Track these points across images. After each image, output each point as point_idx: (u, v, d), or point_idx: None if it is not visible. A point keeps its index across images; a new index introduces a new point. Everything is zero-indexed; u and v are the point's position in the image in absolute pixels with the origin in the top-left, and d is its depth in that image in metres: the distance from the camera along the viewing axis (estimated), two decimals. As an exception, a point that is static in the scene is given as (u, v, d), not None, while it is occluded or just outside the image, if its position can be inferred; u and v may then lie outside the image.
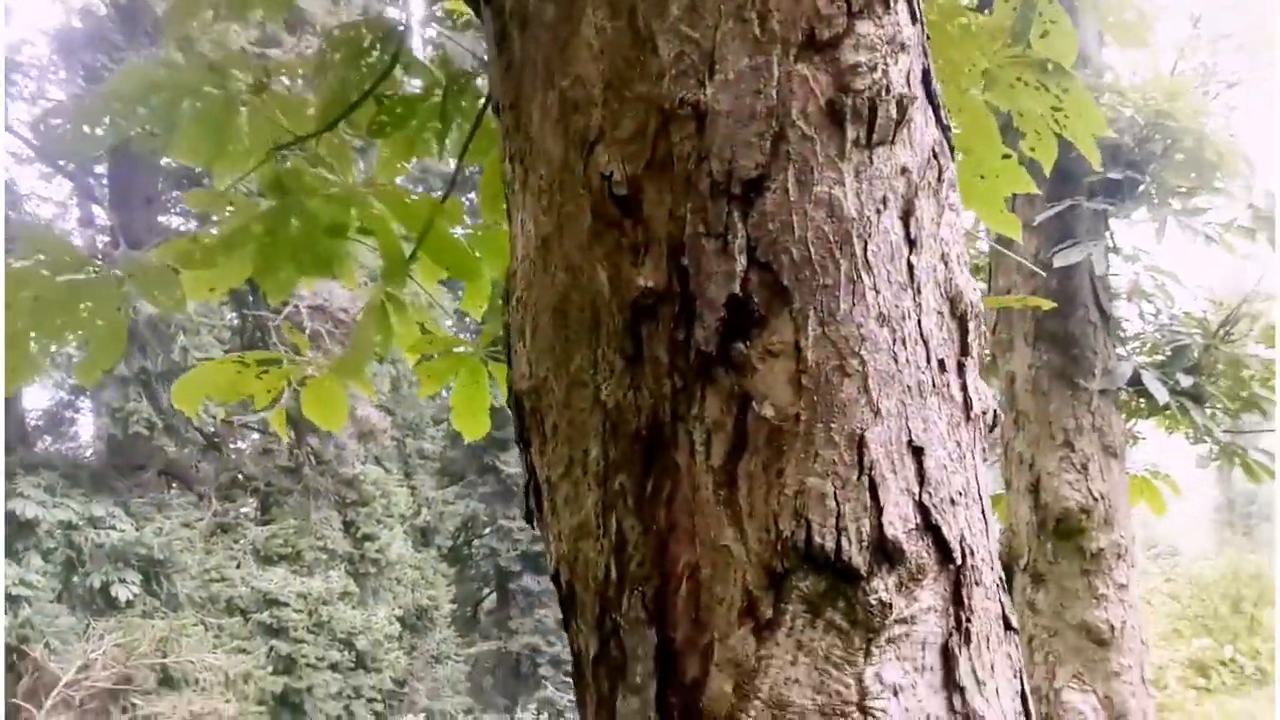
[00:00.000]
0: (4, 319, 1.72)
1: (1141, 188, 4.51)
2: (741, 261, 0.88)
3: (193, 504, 15.54)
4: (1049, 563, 4.09)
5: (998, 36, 1.50)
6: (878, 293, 0.88)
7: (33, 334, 1.75)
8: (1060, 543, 4.07)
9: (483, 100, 1.89)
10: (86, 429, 17.09)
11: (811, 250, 0.88)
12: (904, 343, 0.89)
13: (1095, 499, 4.13)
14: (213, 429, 15.58)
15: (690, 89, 0.91)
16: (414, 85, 1.91)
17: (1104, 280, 4.42)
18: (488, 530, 21.95)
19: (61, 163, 14.67)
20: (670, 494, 0.91)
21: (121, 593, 13.22)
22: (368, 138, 1.91)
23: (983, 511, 0.92)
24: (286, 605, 14.76)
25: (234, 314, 15.83)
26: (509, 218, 1.10)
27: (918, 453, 0.87)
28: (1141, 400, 4.78)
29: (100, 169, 16.02)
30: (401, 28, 1.81)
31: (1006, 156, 1.71)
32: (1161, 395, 4.36)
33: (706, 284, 0.89)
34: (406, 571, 17.54)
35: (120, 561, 13.45)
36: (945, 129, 1.01)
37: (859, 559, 0.83)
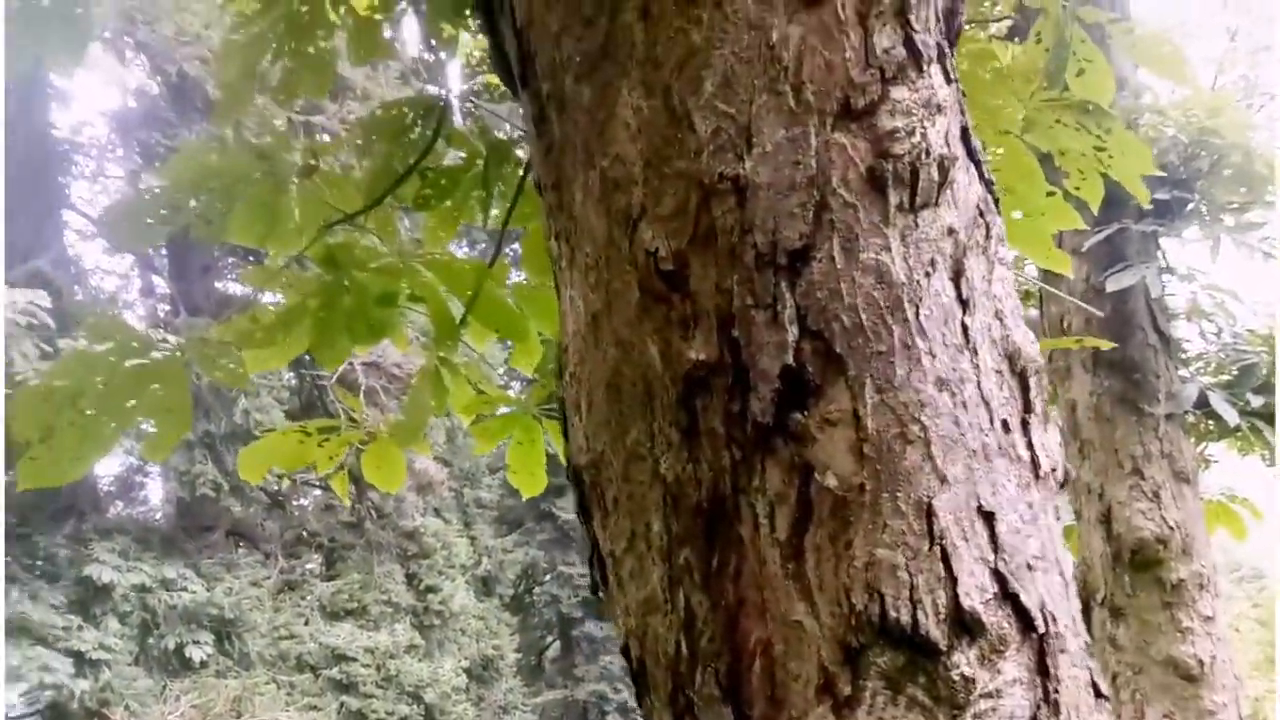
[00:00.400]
0: (74, 404, 1.78)
1: (1191, 206, 4.41)
2: (793, 331, 0.88)
3: (260, 562, 15.82)
4: (1127, 596, 3.95)
5: (1031, 78, 1.48)
6: (934, 357, 0.87)
7: (106, 418, 1.81)
8: (1137, 575, 3.93)
9: (523, 168, 1.93)
10: (156, 493, 17.56)
11: (863, 317, 0.87)
12: (965, 406, 0.87)
13: (1170, 528, 3.99)
14: (276, 487, 15.89)
15: (729, 163, 0.92)
16: (456, 156, 1.95)
17: (1160, 302, 4.31)
18: (548, 577, 21.92)
19: (124, 238, 15.24)
20: (737, 568, 0.90)
21: (195, 653, 13.45)
22: (414, 209, 1.95)
23: (1061, 574, 0.89)
24: (355, 660, 14.87)
25: (291, 374, 16.20)
26: (558, 293, 1.12)
27: (989, 518, 0.85)
28: (1211, 423, 4.62)
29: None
30: (442, 103, 1.86)
31: (1051, 193, 1.69)
32: (1231, 417, 4.22)
33: (759, 355, 0.89)
34: (470, 622, 17.57)
35: (193, 622, 13.70)
36: (989, 184, 1.00)
37: (937, 632, 0.81)
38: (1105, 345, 2.08)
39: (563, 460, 1.15)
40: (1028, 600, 0.85)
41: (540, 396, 2.64)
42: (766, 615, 0.88)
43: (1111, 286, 4.14)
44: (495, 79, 2.07)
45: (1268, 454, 4.79)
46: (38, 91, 15.02)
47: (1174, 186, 4.28)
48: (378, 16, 1.91)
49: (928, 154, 0.90)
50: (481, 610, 18.31)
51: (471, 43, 1.96)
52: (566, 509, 20.60)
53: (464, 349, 2.71)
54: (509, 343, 2.52)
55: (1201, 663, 3.77)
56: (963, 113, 0.98)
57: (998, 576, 0.85)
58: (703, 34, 0.94)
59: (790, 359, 0.87)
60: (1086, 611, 4.14)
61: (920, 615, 0.82)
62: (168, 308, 16.55)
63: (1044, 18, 1.45)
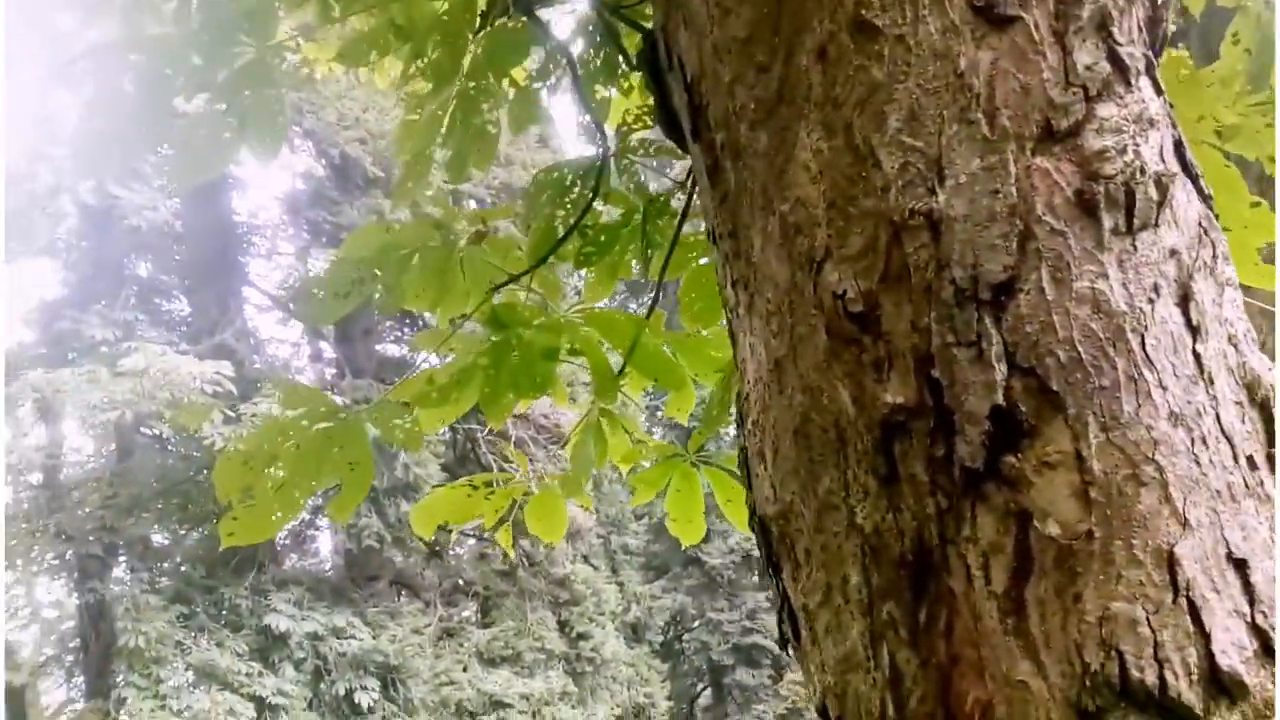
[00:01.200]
0: (271, 467, 1.90)
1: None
2: (1001, 369, 0.83)
3: (420, 610, 16.42)
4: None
5: (1231, 83, 1.37)
6: (1165, 389, 0.80)
7: (296, 479, 1.92)
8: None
9: (678, 219, 1.94)
10: (325, 545, 18.61)
11: (1080, 350, 0.81)
12: (1204, 442, 0.79)
13: None
14: (434, 538, 16.52)
15: (920, 198, 0.88)
16: (613, 213, 2.00)
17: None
18: (696, 623, 21.68)
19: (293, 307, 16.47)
20: (948, 623, 0.85)
21: (364, 699, 14.04)
22: (575, 268, 2.00)
23: (1331, 630, 0.79)
24: (511, 707, 15.11)
25: (446, 429, 16.92)
26: (733, 342, 1.10)
27: (1240, 566, 0.77)
28: None
29: (325, 309, 17.83)
30: (600, 162, 1.90)
31: (1255, 204, 1.55)
32: None
33: (964, 396, 0.84)
34: (621, 669, 17.57)
35: (360, 669, 14.32)
36: (1208, 199, 0.92)
37: (1191, 695, 0.73)
38: None
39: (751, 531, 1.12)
40: (1294, 659, 0.76)
41: (698, 443, 2.63)
42: (985, 674, 0.82)
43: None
44: (647, 134, 2.11)
45: None
46: (219, 181, 16.55)
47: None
48: (535, 85, 1.99)
49: (1142, 172, 0.84)
50: (632, 657, 18.28)
51: (622, 100, 2.01)
52: (713, 554, 20.36)
53: (622, 401, 2.74)
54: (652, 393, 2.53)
55: None
56: (1174, 126, 0.91)
57: (1257, 631, 0.76)
58: (884, 69, 0.92)
59: (1000, 398, 0.82)
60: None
61: (1169, 675, 0.74)
62: (334, 371, 17.71)
63: (1241, 15, 1.34)
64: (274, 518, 2.01)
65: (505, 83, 1.84)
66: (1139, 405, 0.79)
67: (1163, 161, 0.87)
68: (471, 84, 1.72)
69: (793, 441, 0.97)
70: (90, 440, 15.62)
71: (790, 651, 1.07)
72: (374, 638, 14.60)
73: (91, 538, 13.89)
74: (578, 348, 2.31)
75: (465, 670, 15.57)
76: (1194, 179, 0.91)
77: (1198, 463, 0.78)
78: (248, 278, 18.00)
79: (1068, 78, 0.87)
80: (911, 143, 0.90)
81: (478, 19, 1.65)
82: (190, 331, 16.50)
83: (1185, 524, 0.76)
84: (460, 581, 17.48)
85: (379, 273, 1.84)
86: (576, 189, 1.91)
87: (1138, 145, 0.85)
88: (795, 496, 0.97)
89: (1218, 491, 0.78)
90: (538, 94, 1.97)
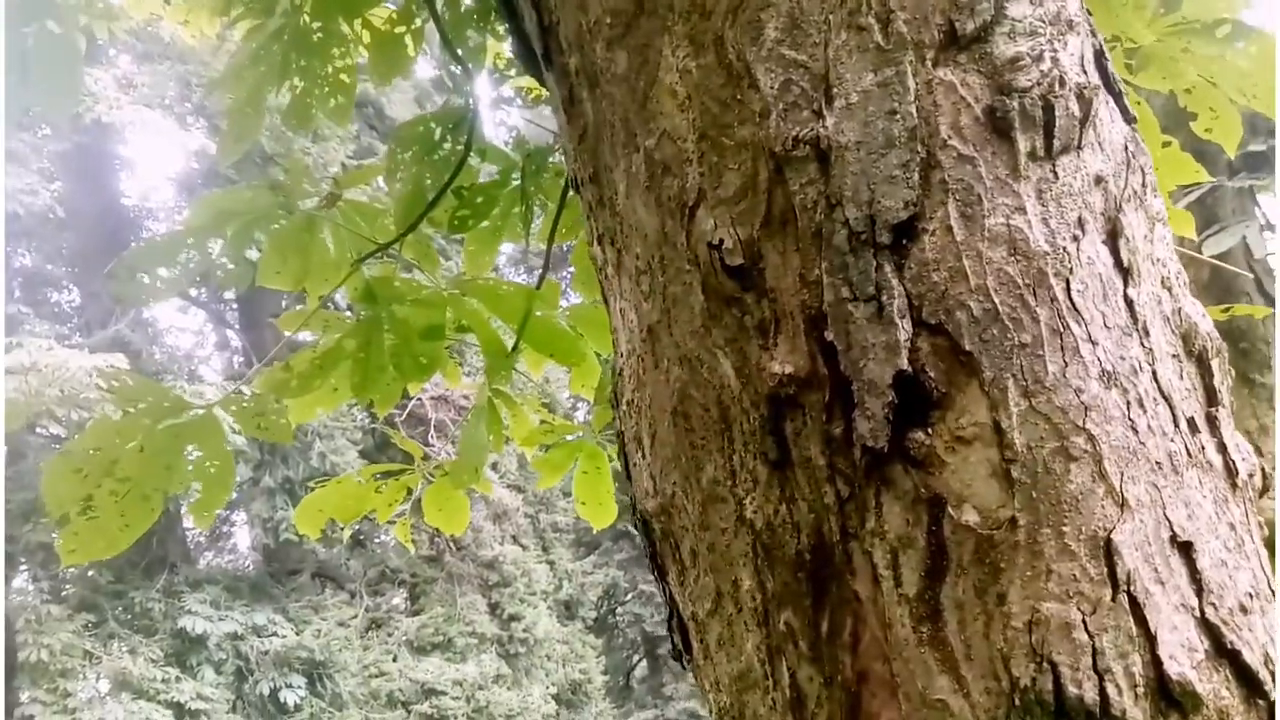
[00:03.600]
0: (110, 473, 1.67)
1: (1286, 154, 4.04)
2: (905, 327, 0.68)
3: (345, 602, 15.98)
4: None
5: (1143, 4, 1.26)
6: (1095, 344, 0.67)
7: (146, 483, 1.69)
8: (1270, 562, 3.55)
9: (564, 176, 1.77)
10: (244, 540, 17.93)
11: (996, 301, 0.67)
12: (1141, 404, 0.67)
13: (1303, 506, 3.61)
14: (358, 526, 16.07)
15: (805, 123, 0.73)
16: (491, 172, 1.80)
17: (1264, 263, 3.95)
18: (629, 597, 21.72)
19: (194, 294, 15.71)
20: (854, 633, 0.71)
21: (290, 697, 13.60)
22: (450, 233, 1.81)
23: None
24: (444, 694, 14.86)
25: (364, 414, 16.40)
26: (606, 307, 0.94)
27: (1186, 550, 0.64)
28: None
29: (229, 294, 17.07)
30: (470, 114, 1.71)
31: (1166, 144, 1.46)
32: (1363, 378, 3.82)
33: (862, 361, 0.69)
34: (555, 647, 17.47)
35: (285, 667, 13.87)
36: (1132, 121, 0.79)
37: (1137, 711, 0.61)
38: (1261, 313, 1.82)
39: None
40: (1250, 657, 0.64)
41: (604, 421, 2.47)
42: (898, 692, 0.68)
43: (1210, 250, 3.80)
44: (526, 83, 1.92)
45: None
46: (105, 164, 15.60)
47: (1269, 135, 3.91)
48: (398, 30, 1.78)
49: (1062, 83, 0.70)
50: (566, 635, 18.18)
51: (496, 44, 1.81)
52: (643, 529, 20.33)
53: (525, 377, 2.56)
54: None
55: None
56: (1094, 32, 0.78)
57: (1208, 628, 0.64)
58: (756, -30, 0.76)
59: (904, 363, 0.68)
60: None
61: (1110, 689, 0.61)
62: (241, 359, 16.95)
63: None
64: (121, 530, 1.77)
65: (360, 25, 1.63)
66: (1065, 364, 0.66)
67: (1084, 72, 0.73)
68: (316, 24, 1.50)
69: (671, 423, 0.82)
70: (-24, 445, 14.67)
71: (684, 665, 0.92)
72: (298, 634, 14.14)
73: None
74: (465, 324, 2.12)
75: (395, 660, 15.24)
76: (1116, 95, 0.78)
77: (1134, 430, 0.66)
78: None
79: (973, -27, 0.72)
80: (793, 56, 0.74)
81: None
82: (81, 323, 15.59)
83: (1123, 504, 0.64)
84: (386, 570, 17.07)
85: (220, 245, 1.61)
86: (446, 144, 1.71)
87: (1055, 52, 0.71)
88: (677, 488, 0.82)
89: (1158, 463, 0.66)
90: (401, 39, 1.76)
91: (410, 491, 2.62)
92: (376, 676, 14.78)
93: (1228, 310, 1.39)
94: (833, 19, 0.73)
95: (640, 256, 0.83)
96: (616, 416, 0.92)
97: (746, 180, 0.75)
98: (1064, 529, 0.63)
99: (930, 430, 0.67)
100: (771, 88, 0.74)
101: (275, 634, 13.90)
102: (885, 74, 0.71)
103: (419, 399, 14.62)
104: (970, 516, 0.66)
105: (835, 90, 0.72)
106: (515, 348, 2.15)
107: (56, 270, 16.21)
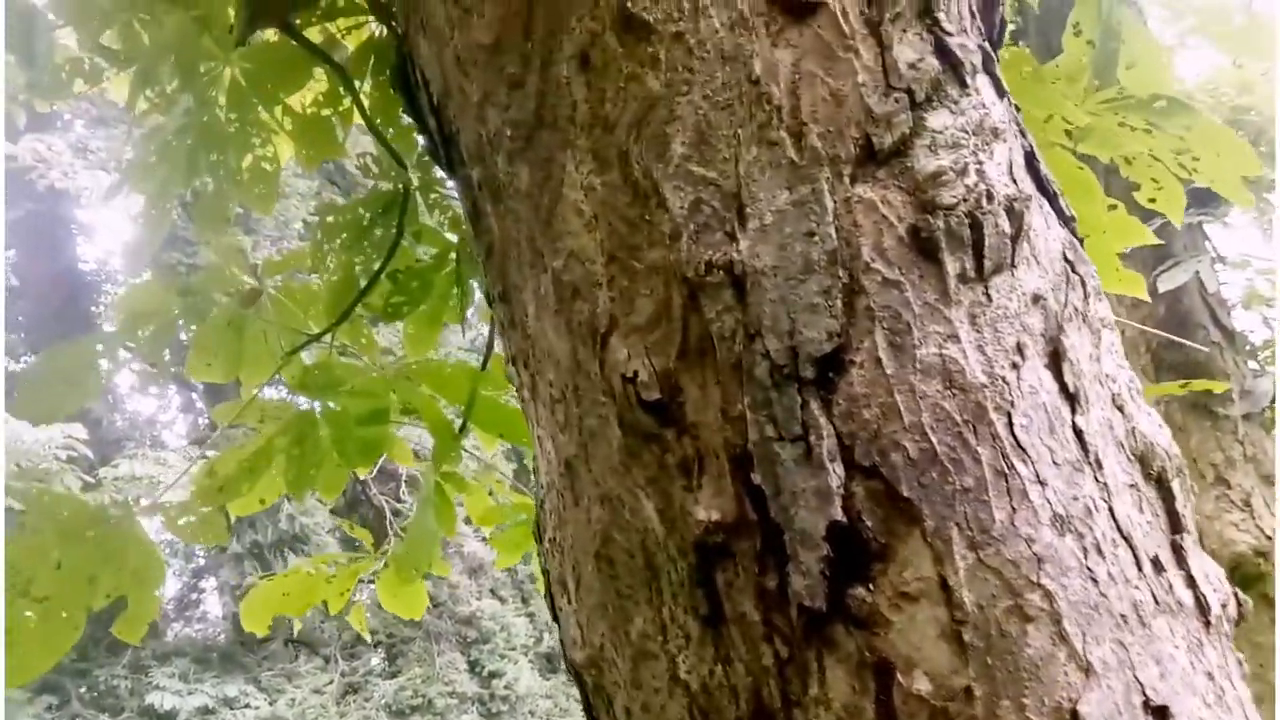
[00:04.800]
0: (27, 594, 1.56)
1: (1234, 189, 4.10)
2: (836, 471, 0.62)
3: (320, 668, 15.54)
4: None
5: (1077, 78, 1.23)
6: (1044, 485, 0.61)
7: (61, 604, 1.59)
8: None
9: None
10: (214, 607, 17.43)
11: (934, 440, 0.61)
12: (1099, 549, 0.60)
13: (1268, 538, 3.60)
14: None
15: (718, 245, 0.67)
16: (426, 253, 1.74)
17: (1218, 296, 3.98)
18: (613, 644, 21.35)
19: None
20: (800, 814, 0.63)
21: (263, 770, 13.14)
22: (385, 321, 1.74)
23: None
24: (425, 757, 14.45)
25: (332, 472, 16.13)
26: (529, 431, 0.87)
27: (1162, 715, 0.58)
28: (1289, 417, 4.24)
29: (192, 357, 16.78)
30: (402, 196, 1.65)
31: (1112, 207, 1.43)
32: (1319, 407, 3.84)
33: (793, 508, 0.63)
34: (538, 703, 17.07)
35: (258, 739, 13.42)
36: (1070, 222, 0.75)
37: None
38: (1219, 388, 1.79)
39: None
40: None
41: (506, 564, 2.41)
42: None
43: (1164, 286, 3.82)
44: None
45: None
46: (61, 229, 15.39)
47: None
48: (325, 112, 1.72)
49: (989, 198, 0.65)
50: (549, 689, 17.79)
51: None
52: (623, 574, 20.01)
53: (480, 455, 2.47)
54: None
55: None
56: (1023, 133, 0.73)
57: (1189, 797, 0.57)
58: (661, 78, 0.71)
59: (839, 511, 0.61)
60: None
61: None
62: (206, 421, 16.62)
63: (1081, 4, 1.20)
64: (42, 653, 1.66)
65: (280, 112, 1.56)
66: (1014, 510, 0.60)
67: (1013, 181, 0.68)
68: (234, 116, 1.43)
69: (595, 568, 0.75)
70: (-70, 523, 14.19)
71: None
72: (271, 704, 13.71)
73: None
74: (411, 406, 2.04)
75: (373, 724, 14.81)
76: (1051, 198, 0.73)
77: (1094, 580, 0.59)
78: (99, 329, 16.78)
79: (888, 80, 0.67)
80: (702, 173, 0.68)
81: (230, 37, 1.37)
82: (39, 394, 15.20)
83: (1088, 670, 0.57)
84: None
85: (140, 340, 1.52)
86: (378, 230, 1.65)
87: (980, 163, 0.66)
88: (606, 640, 0.75)
89: (1123, 616, 0.59)
90: (328, 122, 1.70)
91: (362, 579, 2.52)
92: (355, 744, 14.33)
93: (1185, 385, 1.34)
94: (742, 133, 0.68)
95: (554, 384, 0.76)
96: (539, 553, 0.85)
97: (659, 307, 0.69)
98: (1024, 700, 0.57)
99: (871, 586, 0.61)
100: (681, 208, 0.68)
101: (248, 705, 13.46)
102: (801, 192, 0.66)
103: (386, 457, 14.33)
104: (922, 685, 0.59)
105: (749, 210, 0.67)
106: (463, 429, 2.07)
107: (13, 339, 15.86)
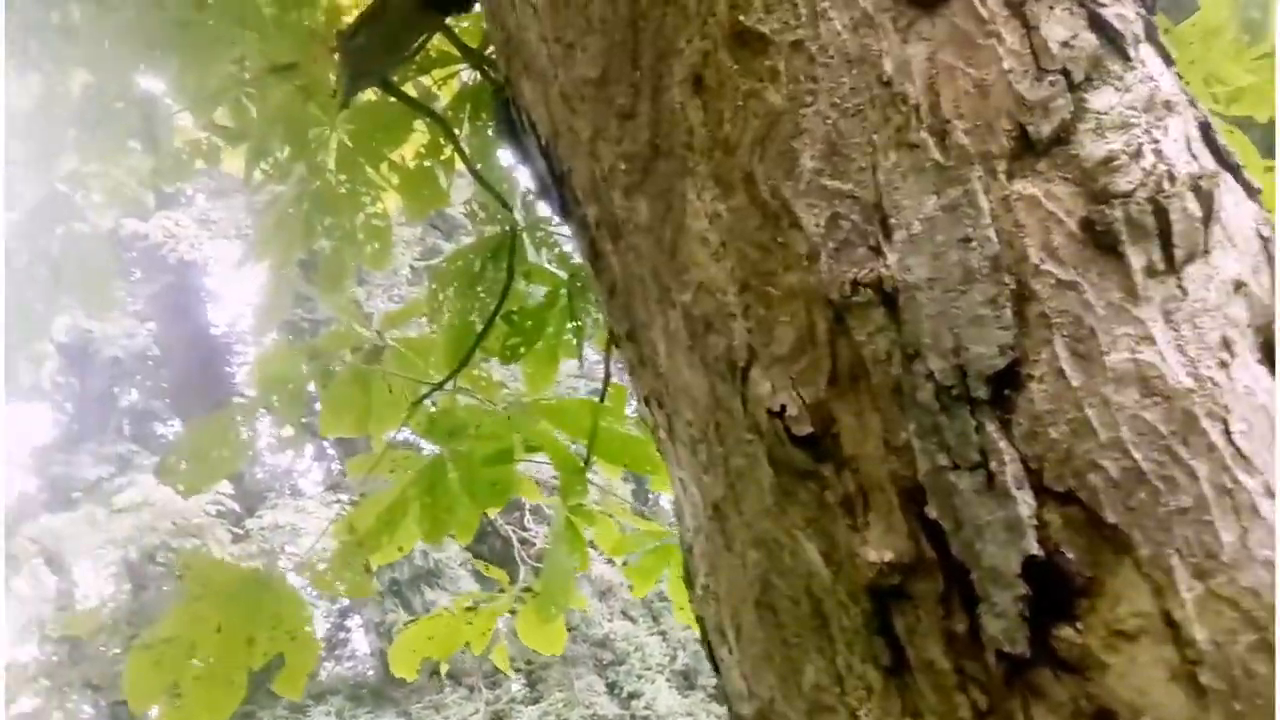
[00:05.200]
0: (192, 656, 1.63)
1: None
2: (1026, 500, 0.55)
3: (465, 698, 15.92)
4: None
5: (1216, 36, 1.12)
6: (1274, 497, 0.53)
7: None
8: None
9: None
10: (361, 644, 18.11)
11: (1138, 456, 0.54)
12: (1353, 569, 0.52)
13: None
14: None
15: (862, 263, 0.62)
16: (538, 292, 1.74)
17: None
18: (748, 658, 21.09)
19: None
20: None
21: (420, 802, 13.52)
22: (503, 363, 1.74)
23: None
24: (573, 782, 14.57)
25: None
26: (669, 472, 0.83)
27: None
28: None
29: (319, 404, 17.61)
30: (510, 237, 1.65)
31: (1269, 170, 1.30)
32: None
33: (978, 543, 0.57)
34: (678, 721, 17.00)
35: (413, 771, 13.82)
36: (1256, 194, 0.66)
37: None
38: None
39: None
40: None
41: (683, 607, 2.37)
42: None
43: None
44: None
45: None
46: (192, 297, 16.43)
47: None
48: (427, 164, 1.75)
49: (1171, 179, 0.58)
50: (688, 706, 17.69)
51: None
52: (752, 587, 19.75)
53: (601, 481, 2.46)
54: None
55: None
56: (1194, 103, 0.65)
57: None
58: (783, 90, 0.66)
59: (1033, 544, 0.55)
60: None
61: None
62: (339, 466, 17.38)
63: (1222, -49, 1.10)
64: (214, 710, 1.72)
65: (386, 168, 1.59)
66: (1244, 530, 0.52)
67: (1194, 158, 0.60)
68: (343, 177, 1.47)
69: (757, 616, 0.70)
70: (102, 583, 15.30)
71: None
72: (421, 735, 14.12)
73: (120, 684, 13.48)
74: (534, 444, 2.05)
75: (519, 751, 15.05)
76: (1234, 170, 0.65)
77: (1354, 606, 0.51)
78: (235, 388, 17.79)
79: (1038, 62, 0.61)
80: (836, 186, 0.64)
81: (334, 102, 1.40)
82: (187, 453, 16.22)
83: (1360, 713, 0.49)
84: (500, 659, 16.99)
85: (276, 404, 1.57)
86: (489, 273, 1.66)
87: (1156, 142, 0.59)
88: (775, 692, 0.70)
89: (1394, 645, 0.51)
90: (432, 173, 1.72)
91: (500, 618, 2.54)
92: (504, 771, 14.59)
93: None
94: (877, 139, 0.63)
95: (693, 424, 0.72)
96: (692, 600, 0.80)
97: (802, 334, 0.64)
98: (1282, 752, 0.49)
99: (1079, 625, 0.54)
100: (816, 226, 0.64)
101: (400, 739, 13.89)
102: (951, 195, 0.60)
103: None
104: (1151, 734, 0.52)
105: (893, 220, 0.61)
106: (587, 463, 2.06)
107: (159, 405, 16.99)
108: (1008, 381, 0.57)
